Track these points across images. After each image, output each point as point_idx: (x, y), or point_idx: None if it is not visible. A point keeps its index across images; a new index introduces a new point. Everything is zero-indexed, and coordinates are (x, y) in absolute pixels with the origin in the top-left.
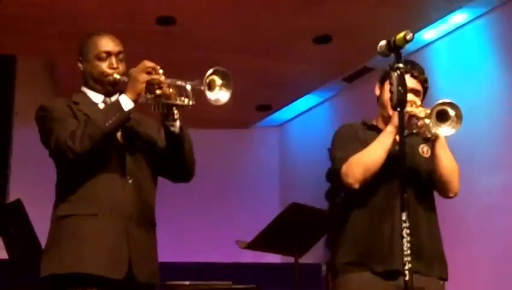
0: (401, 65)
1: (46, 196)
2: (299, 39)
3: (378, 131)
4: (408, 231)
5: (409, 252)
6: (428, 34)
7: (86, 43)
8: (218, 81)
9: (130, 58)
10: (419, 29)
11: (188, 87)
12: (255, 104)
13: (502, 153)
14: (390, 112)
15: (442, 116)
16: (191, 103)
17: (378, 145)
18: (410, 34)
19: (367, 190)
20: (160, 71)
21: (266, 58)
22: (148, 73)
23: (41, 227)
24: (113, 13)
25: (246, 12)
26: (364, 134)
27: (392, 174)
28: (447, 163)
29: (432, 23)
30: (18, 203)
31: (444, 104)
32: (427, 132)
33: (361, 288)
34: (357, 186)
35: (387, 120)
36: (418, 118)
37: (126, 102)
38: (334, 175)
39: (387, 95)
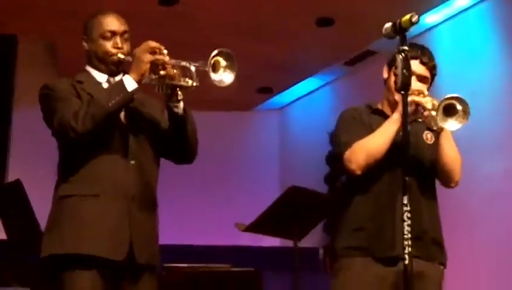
0: (406, 48)
1: (46, 176)
2: (302, 22)
3: (383, 115)
4: (409, 215)
5: (409, 236)
6: (431, 17)
7: (90, 22)
8: (222, 62)
9: (133, 38)
10: (423, 13)
11: (192, 68)
12: (257, 87)
13: (504, 138)
14: (397, 96)
15: (449, 110)
16: (194, 84)
17: (384, 132)
18: (416, 17)
19: (369, 176)
20: (165, 51)
21: (268, 41)
22: (152, 53)
23: (41, 208)
24: None
25: None
26: (369, 118)
27: (396, 162)
28: (450, 153)
29: (435, 6)
30: (17, 183)
31: (452, 98)
32: (432, 124)
33: (362, 273)
34: (359, 172)
35: (393, 105)
36: (425, 108)
37: (130, 82)
38: (336, 159)
39: (393, 80)
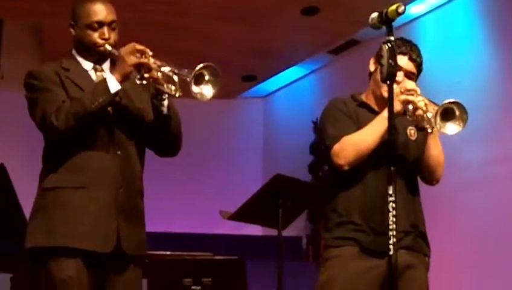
0: (392, 38)
1: (31, 161)
2: (287, 10)
3: (368, 109)
4: (394, 205)
5: (394, 226)
6: (416, 8)
7: (78, 8)
8: (206, 76)
9: (122, 23)
10: (408, 3)
11: (175, 78)
12: (241, 74)
13: (485, 127)
14: (384, 92)
15: (447, 114)
16: (177, 94)
17: (374, 129)
18: (402, 7)
19: (357, 170)
20: (150, 53)
21: (253, 28)
22: (137, 56)
23: (25, 193)
24: None
25: None
26: (356, 110)
27: (383, 156)
28: (436, 153)
29: None
30: (1, 167)
31: (451, 103)
32: (424, 123)
33: (350, 262)
34: (347, 167)
35: (379, 99)
36: (417, 108)
37: (113, 83)
38: (323, 151)
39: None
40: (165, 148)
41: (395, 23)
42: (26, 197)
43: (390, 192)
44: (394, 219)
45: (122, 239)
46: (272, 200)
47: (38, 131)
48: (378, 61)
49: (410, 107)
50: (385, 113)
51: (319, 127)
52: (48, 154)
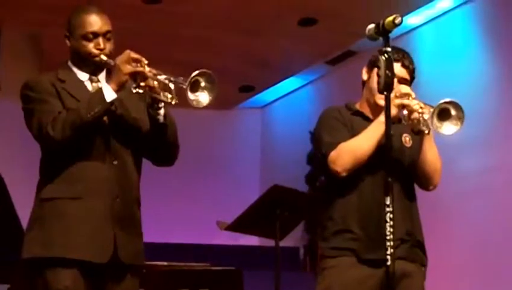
0: (389, 49)
1: (29, 171)
2: (285, 21)
3: (363, 117)
4: (391, 216)
5: (391, 237)
6: (414, 19)
7: (73, 19)
8: (202, 83)
9: (117, 32)
10: (405, 14)
11: (171, 85)
12: (238, 85)
13: (481, 136)
14: (378, 98)
15: (443, 114)
16: (173, 102)
17: (370, 135)
18: (399, 18)
19: (352, 177)
20: (145, 62)
21: (251, 39)
22: (133, 64)
23: (22, 204)
24: None
25: None
26: (350, 119)
27: (379, 163)
28: (432, 158)
29: (417, 8)
30: None
31: (446, 102)
32: (421, 126)
33: (347, 272)
34: (344, 174)
35: (373, 106)
36: (413, 111)
37: (109, 93)
38: (320, 158)
39: (375, 82)
40: (162, 157)
41: (392, 34)
42: (24, 207)
43: (388, 202)
44: (392, 229)
45: (119, 248)
46: (269, 211)
47: (36, 141)
48: (370, 69)
49: (405, 111)
50: (381, 118)
51: (314, 136)
52: (45, 165)
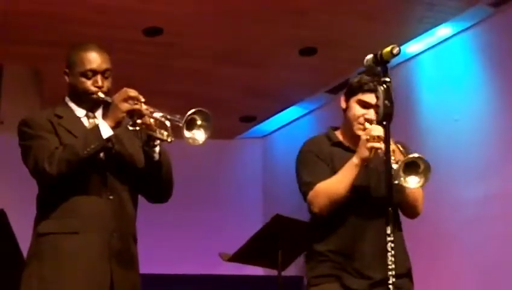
0: (388, 79)
1: (30, 205)
2: (285, 51)
3: (343, 147)
4: (392, 245)
5: (393, 266)
6: (413, 46)
7: (73, 56)
8: (198, 121)
9: (118, 64)
10: (405, 42)
11: (168, 123)
12: (239, 115)
13: (484, 164)
14: (357, 130)
15: (411, 167)
16: (169, 139)
17: (344, 178)
18: (397, 48)
19: (337, 214)
20: (142, 100)
21: (251, 69)
22: (130, 102)
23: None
24: (101, 23)
25: (233, 23)
26: (330, 150)
27: (359, 199)
28: (413, 189)
29: (417, 36)
30: (1, 213)
31: (415, 158)
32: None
33: None
34: (324, 214)
35: (350, 138)
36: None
37: (105, 129)
38: (302, 196)
39: (353, 111)
40: (156, 195)
41: (392, 62)
42: (27, 241)
43: (389, 232)
44: (393, 259)
45: (116, 285)
46: (272, 241)
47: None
48: (348, 98)
49: (380, 151)
50: (355, 160)
51: (295, 170)
52: (42, 200)
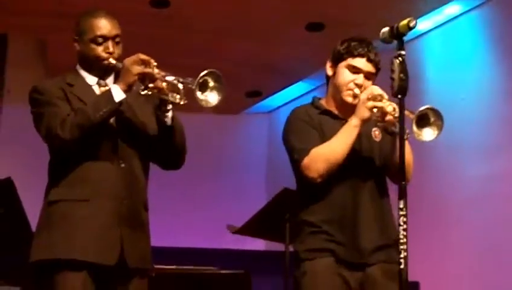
0: (403, 52)
1: (38, 174)
2: (292, 27)
3: (331, 116)
4: (405, 219)
5: (405, 240)
6: (422, 24)
7: (82, 23)
8: (210, 83)
9: (125, 37)
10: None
11: (180, 86)
12: (245, 90)
13: (490, 142)
14: (346, 96)
15: (422, 121)
16: (182, 102)
17: (344, 140)
18: (414, 22)
19: (328, 181)
20: (154, 64)
21: (258, 44)
22: (142, 65)
23: (30, 207)
24: None
25: None
26: (319, 119)
27: (353, 165)
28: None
29: (425, 13)
30: (8, 181)
31: (427, 109)
32: (395, 127)
33: (326, 275)
34: (319, 180)
35: (340, 104)
36: (386, 113)
37: (117, 93)
38: (292, 164)
39: (342, 77)
40: (169, 161)
41: None
42: (34, 210)
43: (401, 206)
44: (405, 233)
45: (126, 251)
46: (279, 214)
47: (44, 145)
48: (334, 64)
49: (378, 113)
50: (354, 121)
51: (284, 139)
52: (53, 168)
